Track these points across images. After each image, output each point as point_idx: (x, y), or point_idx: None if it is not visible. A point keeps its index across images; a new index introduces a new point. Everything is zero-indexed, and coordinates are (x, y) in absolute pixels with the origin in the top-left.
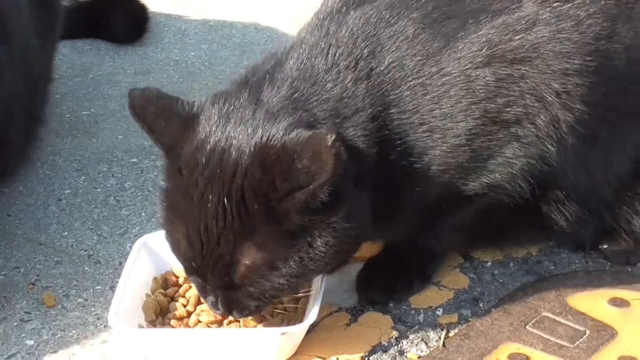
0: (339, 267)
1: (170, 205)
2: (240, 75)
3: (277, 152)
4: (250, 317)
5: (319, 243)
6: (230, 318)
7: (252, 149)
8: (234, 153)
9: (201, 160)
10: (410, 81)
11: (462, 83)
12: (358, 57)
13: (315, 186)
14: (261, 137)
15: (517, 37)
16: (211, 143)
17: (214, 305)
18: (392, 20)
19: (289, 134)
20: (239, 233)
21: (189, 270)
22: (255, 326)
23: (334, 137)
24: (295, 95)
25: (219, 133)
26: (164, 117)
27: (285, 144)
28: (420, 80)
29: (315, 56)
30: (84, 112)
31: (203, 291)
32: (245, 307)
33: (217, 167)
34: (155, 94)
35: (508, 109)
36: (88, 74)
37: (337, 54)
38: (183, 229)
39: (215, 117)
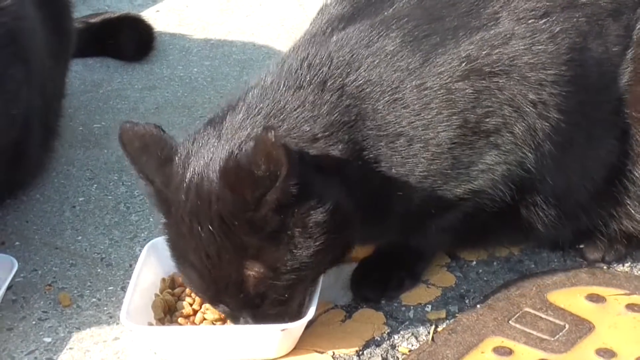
0: (337, 262)
1: (172, 242)
2: (213, 114)
3: (235, 170)
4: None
5: (302, 234)
6: None
7: (218, 175)
8: (205, 184)
9: (182, 198)
10: (388, 95)
11: (443, 96)
12: (328, 76)
13: (280, 182)
14: (223, 161)
15: (494, 52)
16: (187, 180)
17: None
18: (373, 40)
19: (241, 150)
20: (233, 252)
21: (210, 300)
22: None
23: (273, 132)
24: (251, 117)
25: (192, 169)
26: (146, 153)
27: (239, 159)
28: (399, 95)
29: (280, 79)
30: (95, 125)
31: (233, 317)
32: (272, 317)
33: (196, 200)
34: (142, 130)
35: (487, 119)
36: (98, 89)
37: (304, 74)
38: (188, 262)
39: (187, 156)
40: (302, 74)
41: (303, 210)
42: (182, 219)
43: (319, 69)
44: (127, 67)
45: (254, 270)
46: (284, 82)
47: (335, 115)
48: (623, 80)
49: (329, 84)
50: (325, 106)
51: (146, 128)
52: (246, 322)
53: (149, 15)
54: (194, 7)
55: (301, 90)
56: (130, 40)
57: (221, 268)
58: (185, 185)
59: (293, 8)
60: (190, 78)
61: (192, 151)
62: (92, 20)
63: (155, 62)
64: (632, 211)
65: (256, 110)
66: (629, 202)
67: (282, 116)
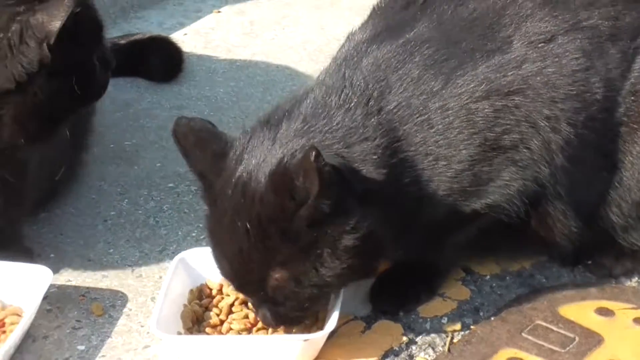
0: (368, 274)
1: (211, 232)
2: (265, 114)
3: (282, 176)
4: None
5: (330, 255)
6: (259, 325)
7: (266, 177)
8: (253, 184)
9: (228, 192)
10: (417, 117)
11: (464, 116)
12: (369, 97)
13: (312, 200)
14: (272, 166)
15: (510, 73)
16: (236, 176)
17: (265, 320)
18: (399, 65)
19: (292, 159)
20: (264, 254)
21: (236, 289)
22: (280, 333)
23: (314, 153)
24: (306, 127)
25: (243, 167)
26: (199, 147)
27: (288, 167)
28: (426, 116)
29: (329, 95)
30: (126, 143)
31: (255, 307)
32: (289, 319)
33: (240, 197)
34: (199, 125)
35: (505, 136)
36: (129, 108)
37: (350, 94)
38: (224, 253)
39: (240, 153)
40: (347, 94)
41: (336, 232)
42: (224, 212)
43: (361, 92)
44: (157, 88)
45: (278, 276)
46: (334, 100)
47: (378, 139)
48: (622, 107)
49: (370, 107)
50: (370, 131)
51: (201, 123)
52: (264, 317)
53: (176, 38)
54: (219, 30)
55: (350, 112)
56: (159, 62)
57: (249, 265)
58: (234, 181)
59: (315, 32)
60: (216, 98)
61: (246, 149)
62: (123, 42)
63: (183, 83)
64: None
65: (311, 123)
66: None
67: (334, 134)
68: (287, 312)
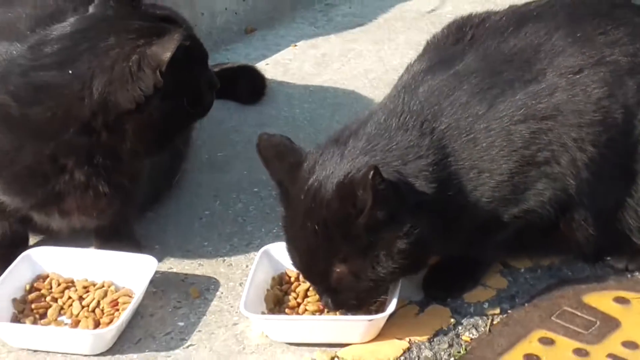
0: (417, 271)
1: (286, 230)
2: (334, 133)
3: (347, 187)
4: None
5: (385, 256)
6: None
7: (333, 187)
8: (322, 191)
9: (301, 197)
10: (464, 136)
11: (504, 136)
12: (424, 120)
13: (367, 210)
14: (340, 178)
15: (544, 100)
16: (308, 184)
17: (327, 305)
18: (450, 92)
19: (357, 174)
20: (328, 251)
21: (303, 276)
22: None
23: (372, 173)
24: (369, 146)
25: (315, 177)
26: (278, 159)
27: (352, 180)
28: (472, 136)
29: (390, 118)
30: (218, 154)
31: (318, 294)
32: (349, 306)
33: (311, 202)
34: (277, 140)
35: (539, 153)
36: (220, 125)
37: (407, 117)
38: (295, 247)
39: (313, 165)
40: (405, 117)
41: (390, 237)
42: (297, 214)
43: (417, 115)
44: (243, 108)
45: (339, 270)
46: (394, 122)
47: (430, 156)
48: (638, 129)
49: (424, 128)
50: (424, 149)
51: (280, 139)
52: (327, 304)
53: (260, 67)
54: (296, 61)
55: (407, 133)
56: (246, 87)
57: (316, 259)
58: (306, 188)
59: (375, 63)
60: (293, 118)
61: (318, 162)
62: (216, 70)
63: (265, 105)
64: None
65: (374, 142)
66: None
67: (393, 153)
68: (346, 300)
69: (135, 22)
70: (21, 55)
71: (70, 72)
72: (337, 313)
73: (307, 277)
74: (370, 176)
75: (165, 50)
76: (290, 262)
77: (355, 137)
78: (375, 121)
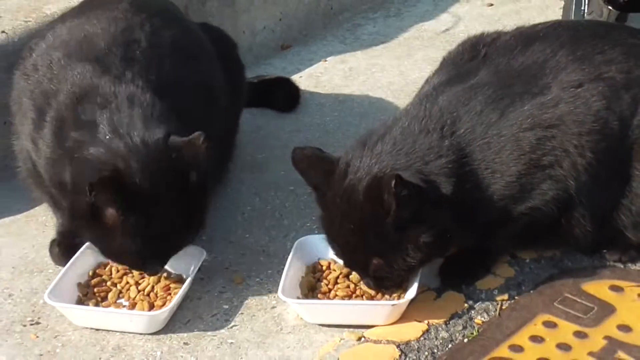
0: (443, 256)
1: (326, 228)
2: (362, 137)
3: (375, 190)
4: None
5: (413, 249)
6: (357, 293)
7: (364, 190)
8: (355, 194)
9: (337, 200)
10: (479, 141)
11: (514, 141)
12: (443, 124)
13: (393, 212)
14: (369, 181)
15: (549, 111)
16: (342, 188)
17: (368, 286)
18: (466, 102)
19: (383, 177)
20: (364, 246)
21: (347, 267)
22: (374, 299)
23: (394, 182)
24: (395, 150)
25: (347, 181)
26: (312, 168)
27: (379, 183)
28: (485, 140)
29: (413, 124)
30: (258, 156)
31: (360, 277)
32: (385, 287)
33: (346, 204)
34: (310, 152)
35: (544, 158)
36: (260, 131)
37: (428, 122)
38: (336, 243)
39: (345, 170)
40: (426, 122)
41: (416, 232)
42: (335, 215)
43: (437, 121)
44: (280, 116)
45: (376, 262)
46: (417, 127)
47: (449, 157)
48: (631, 137)
49: (444, 132)
50: (444, 149)
51: (311, 150)
52: (368, 284)
53: (295, 79)
54: (326, 74)
55: (428, 136)
56: (282, 96)
57: (355, 253)
58: (341, 192)
59: (396, 76)
60: (324, 124)
61: (348, 167)
62: (256, 81)
63: (299, 113)
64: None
65: (400, 145)
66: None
67: (416, 154)
68: (383, 284)
69: None
70: None
71: None
72: (367, 297)
73: (349, 267)
74: (392, 185)
75: None
76: (335, 254)
77: (382, 141)
78: (399, 126)
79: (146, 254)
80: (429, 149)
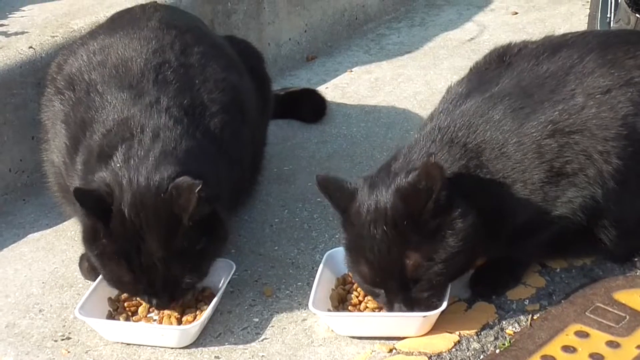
0: (465, 271)
1: (349, 250)
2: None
3: (407, 186)
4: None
5: (450, 235)
6: None
7: (391, 195)
8: (381, 201)
9: (363, 212)
10: (497, 150)
11: (535, 149)
12: (458, 134)
13: (436, 193)
14: (396, 185)
15: (572, 117)
16: (366, 203)
17: (400, 310)
18: (485, 112)
19: (413, 172)
20: (399, 245)
21: (375, 285)
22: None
23: (433, 157)
24: (422, 156)
25: (372, 196)
26: (337, 191)
27: (409, 180)
28: (505, 149)
29: (430, 133)
30: (285, 168)
31: (390, 304)
32: (422, 301)
33: (374, 213)
34: (331, 178)
35: (567, 165)
36: (286, 142)
37: (445, 132)
38: (363, 258)
39: (366, 190)
40: (448, 132)
41: (452, 218)
42: (362, 226)
43: (457, 129)
44: (306, 127)
45: (413, 259)
46: (440, 137)
47: (465, 161)
48: None
49: (465, 139)
50: (458, 156)
51: (333, 178)
52: (400, 309)
53: (321, 90)
54: (352, 85)
55: (450, 145)
56: (309, 108)
57: (388, 258)
58: (365, 206)
59: (422, 86)
60: (351, 135)
61: (369, 187)
62: (282, 93)
63: (326, 124)
64: None
65: (424, 153)
66: None
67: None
68: (419, 293)
69: None
70: None
71: None
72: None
73: (382, 281)
74: (432, 160)
75: None
76: (357, 278)
77: (396, 158)
78: (424, 137)
79: (138, 285)
80: (450, 156)
